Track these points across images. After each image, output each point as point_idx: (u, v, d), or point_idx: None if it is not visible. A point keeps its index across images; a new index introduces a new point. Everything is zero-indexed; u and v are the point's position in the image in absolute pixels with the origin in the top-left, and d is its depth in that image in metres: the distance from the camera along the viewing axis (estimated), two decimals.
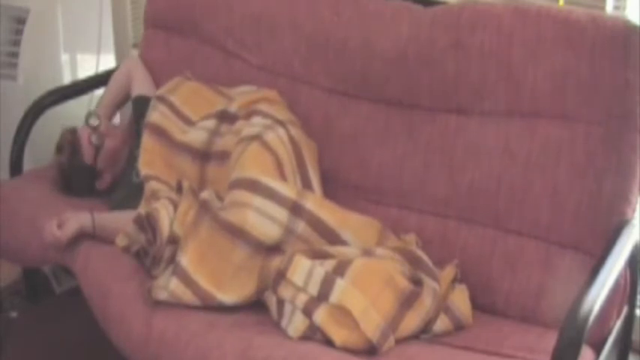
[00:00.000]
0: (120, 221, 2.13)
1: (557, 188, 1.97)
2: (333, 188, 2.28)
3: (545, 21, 2.00)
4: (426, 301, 1.85)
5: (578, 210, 1.95)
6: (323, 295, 1.79)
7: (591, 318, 1.58)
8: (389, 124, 2.23)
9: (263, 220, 1.94)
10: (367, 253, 1.93)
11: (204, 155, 2.22)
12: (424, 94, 2.17)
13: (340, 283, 1.79)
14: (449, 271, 2.00)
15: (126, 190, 2.31)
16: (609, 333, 1.90)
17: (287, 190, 2.00)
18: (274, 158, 2.11)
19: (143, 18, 2.74)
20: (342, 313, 1.77)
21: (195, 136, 2.24)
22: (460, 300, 1.95)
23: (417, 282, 1.89)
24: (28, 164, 2.52)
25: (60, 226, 2.12)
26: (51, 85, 2.67)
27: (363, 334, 1.75)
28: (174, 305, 1.90)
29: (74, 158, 2.35)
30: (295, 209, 1.97)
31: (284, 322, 1.82)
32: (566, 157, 1.97)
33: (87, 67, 3.10)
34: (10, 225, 2.26)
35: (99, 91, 2.71)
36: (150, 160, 2.24)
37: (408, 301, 1.83)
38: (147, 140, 2.27)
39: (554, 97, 1.99)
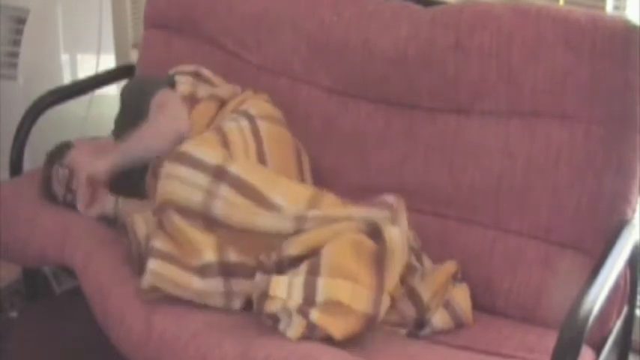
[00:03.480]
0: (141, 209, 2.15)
1: (557, 188, 1.97)
2: (333, 188, 2.27)
3: (545, 21, 2.00)
4: (395, 251, 1.84)
5: (578, 210, 1.95)
6: (310, 300, 1.79)
7: (591, 318, 1.58)
8: (389, 124, 2.23)
9: (185, 187, 1.97)
10: (299, 220, 1.93)
11: None
12: (424, 94, 2.17)
13: (321, 282, 1.80)
14: (449, 265, 2.00)
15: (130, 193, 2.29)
16: (609, 333, 1.90)
17: (212, 156, 2.01)
18: (221, 139, 2.12)
19: (143, 18, 2.74)
20: (334, 305, 1.78)
21: None
22: (461, 297, 1.96)
23: (375, 231, 1.87)
24: (28, 164, 2.52)
25: (90, 203, 2.19)
26: (51, 85, 2.67)
27: (358, 312, 1.77)
28: (174, 305, 1.90)
29: (47, 192, 2.30)
30: (218, 174, 1.98)
31: (282, 326, 1.82)
32: (566, 157, 1.97)
33: (87, 67, 3.10)
34: (10, 225, 2.26)
35: (99, 91, 2.71)
36: None
37: (380, 261, 1.83)
38: None
39: (554, 97, 1.99)
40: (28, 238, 2.23)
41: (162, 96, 2.27)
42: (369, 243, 1.85)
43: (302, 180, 2.22)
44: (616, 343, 1.94)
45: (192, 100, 2.32)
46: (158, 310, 1.91)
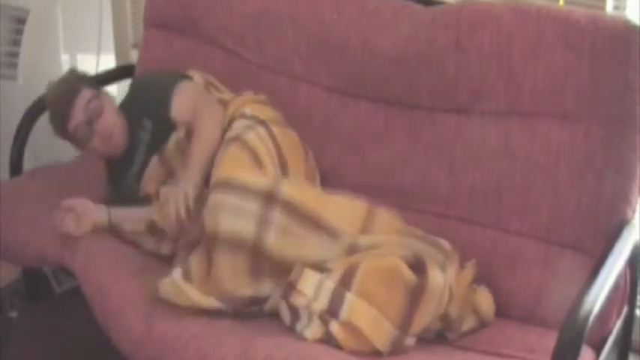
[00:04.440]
0: (134, 218, 2.15)
1: (558, 188, 1.97)
2: (333, 188, 2.27)
3: (545, 21, 2.00)
4: (433, 295, 1.82)
5: (579, 210, 1.95)
6: (334, 311, 1.78)
7: (591, 318, 1.58)
8: (389, 124, 2.23)
9: (235, 218, 1.88)
10: (352, 247, 1.91)
11: None
12: (424, 94, 2.17)
13: (349, 298, 1.79)
14: (467, 272, 1.98)
15: (122, 194, 2.30)
16: (609, 333, 1.90)
17: (260, 181, 1.95)
18: (252, 156, 2.08)
19: (143, 18, 2.74)
20: (353, 328, 1.78)
21: None
22: (487, 304, 1.96)
23: (419, 267, 1.85)
24: (28, 164, 2.52)
25: (76, 219, 2.12)
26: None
27: (375, 347, 1.77)
28: (175, 305, 1.90)
29: (60, 119, 2.26)
30: (269, 199, 1.91)
31: (299, 326, 1.81)
32: (566, 157, 1.97)
33: (87, 67, 3.10)
34: (10, 225, 2.26)
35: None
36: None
37: (414, 297, 1.81)
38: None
39: (554, 97, 1.99)
40: (28, 238, 2.22)
41: (187, 91, 2.28)
42: (409, 275, 1.83)
43: (312, 181, 2.22)
44: (616, 343, 1.94)
45: None
46: (158, 310, 1.91)
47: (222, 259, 1.88)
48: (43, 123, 2.50)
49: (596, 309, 1.60)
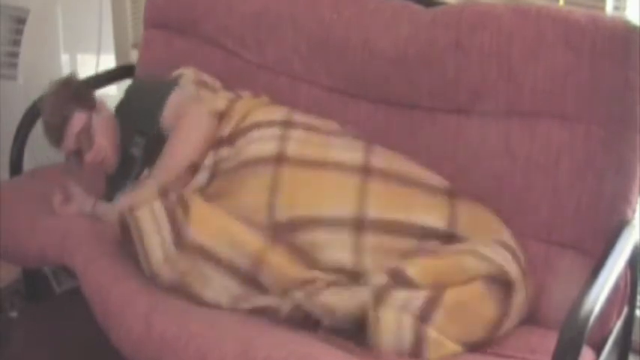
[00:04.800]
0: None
1: (558, 188, 1.97)
2: None
3: (545, 21, 2.00)
4: (515, 313, 1.83)
5: (579, 210, 1.95)
6: (418, 350, 1.76)
7: (592, 318, 1.58)
8: (389, 124, 2.23)
9: (259, 143, 2.09)
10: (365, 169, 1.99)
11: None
12: (424, 94, 2.17)
13: (430, 335, 1.76)
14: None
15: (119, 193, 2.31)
16: (609, 333, 1.90)
17: (277, 114, 2.15)
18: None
19: (143, 18, 2.74)
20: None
21: None
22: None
23: (501, 281, 1.83)
24: (28, 164, 2.52)
25: (64, 201, 2.21)
26: None
27: None
28: (175, 305, 1.90)
29: (53, 141, 2.28)
30: (287, 124, 2.12)
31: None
32: (567, 158, 1.97)
33: (87, 67, 3.10)
34: (10, 225, 2.26)
35: (99, 91, 2.70)
36: None
37: (498, 321, 1.82)
38: None
39: (554, 98, 1.99)
40: (28, 239, 2.22)
41: (177, 98, 2.25)
42: (490, 309, 1.82)
43: None
44: (616, 343, 1.94)
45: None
46: (158, 309, 1.91)
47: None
48: None
49: (597, 309, 1.60)
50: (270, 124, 2.16)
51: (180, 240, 1.92)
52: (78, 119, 2.25)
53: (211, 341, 1.81)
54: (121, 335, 1.95)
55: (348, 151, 2.08)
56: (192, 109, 2.21)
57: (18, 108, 2.57)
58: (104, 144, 2.27)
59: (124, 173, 2.31)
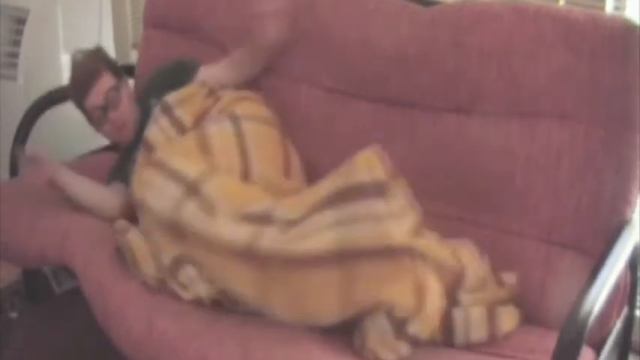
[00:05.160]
0: (83, 185, 2.28)
1: (558, 188, 1.97)
2: None
3: (544, 21, 2.00)
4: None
5: (579, 210, 1.95)
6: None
7: (591, 318, 1.58)
8: (389, 124, 2.23)
9: (158, 197, 1.97)
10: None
11: None
12: (424, 94, 2.17)
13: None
14: (508, 290, 1.94)
15: (122, 181, 2.32)
16: (609, 333, 1.90)
17: (190, 170, 2.00)
18: (202, 146, 2.11)
19: (143, 18, 2.74)
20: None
21: None
22: (507, 314, 1.88)
23: None
24: None
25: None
26: (51, 85, 2.67)
27: None
28: (175, 305, 1.91)
29: (78, 93, 2.33)
30: (192, 188, 1.96)
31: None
32: (567, 158, 1.97)
33: None
34: (10, 225, 2.26)
35: None
36: None
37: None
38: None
39: (554, 97, 1.99)
40: (28, 239, 2.22)
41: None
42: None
43: (289, 180, 2.21)
44: (616, 343, 1.94)
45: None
46: (159, 310, 1.91)
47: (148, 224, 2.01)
48: (43, 123, 2.51)
49: (597, 309, 1.60)
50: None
51: None
52: (108, 78, 2.32)
53: (211, 341, 1.81)
54: (121, 335, 1.95)
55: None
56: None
57: (18, 108, 2.57)
58: (129, 109, 2.33)
59: (136, 145, 2.33)
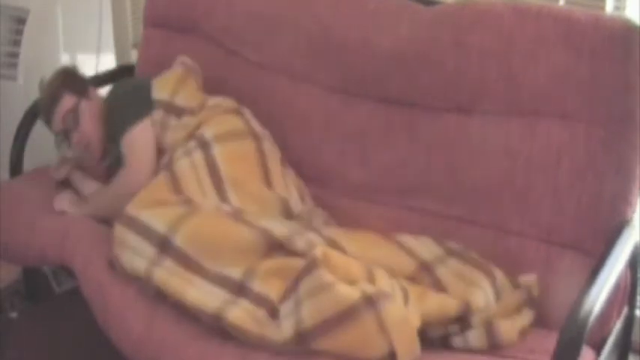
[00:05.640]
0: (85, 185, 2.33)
1: (558, 188, 1.97)
2: (334, 188, 2.28)
3: (545, 21, 2.00)
4: None
5: (579, 210, 1.95)
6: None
7: (591, 319, 1.58)
8: (389, 123, 2.23)
9: (133, 256, 1.96)
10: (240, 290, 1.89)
11: None
12: (424, 93, 2.17)
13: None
14: (517, 295, 1.93)
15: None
16: (609, 333, 1.90)
17: (159, 223, 1.98)
18: (174, 184, 2.12)
19: (143, 17, 2.74)
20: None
21: None
22: (507, 329, 1.84)
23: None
24: (28, 164, 2.52)
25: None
26: None
27: None
28: (175, 306, 1.90)
29: (46, 122, 2.37)
30: (164, 245, 1.95)
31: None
32: (567, 158, 1.97)
33: (87, 67, 3.10)
34: (10, 225, 2.26)
35: (99, 91, 2.70)
36: None
37: None
38: None
39: (555, 97, 1.99)
40: (28, 239, 2.22)
41: (133, 139, 2.27)
42: None
43: (270, 187, 2.18)
44: (616, 343, 1.93)
45: (162, 127, 2.31)
46: (159, 311, 1.91)
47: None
48: (43, 123, 2.50)
49: (597, 309, 1.60)
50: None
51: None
52: (66, 101, 2.33)
53: (212, 344, 1.81)
54: (121, 336, 1.95)
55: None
56: (136, 160, 2.25)
57: (18, 108, 2.57)
58: (89, 129, 2.34)
59: (118, 166, 2.32)
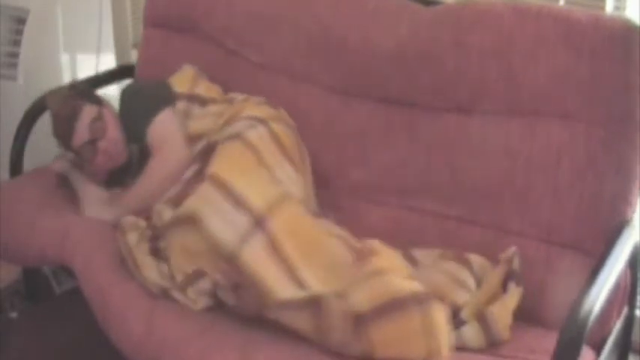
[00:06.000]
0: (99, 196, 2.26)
1: (558, 188, 1.97)
2: (334, 188, 2.28)
3: (545, 21, 2.00)
4: None
5: (579, 210, 1.95)
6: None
7: (591, 318, 1.58)
8: (390, 123, 2.23)
9: (222, 223, 1.89)
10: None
11: None
12: (424, 93, 2.17)
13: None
14: (498, 271, 1.93)
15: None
16: (609, 333, 1.90)
17: (257, 202, 1.93)
18: (256, 156, 2.09)
19: (143, 17, 2.74)
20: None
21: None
22: (499, 313, 1.84)
23: None
24: (28, 164, 2.52)
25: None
26: (51, 85, 2.66)
27: None
28: (175, 306, 1.90)
29: (64, 139, 2.29)
30: (258, 223, 1.90)
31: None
32: (567, 158, 1.97)
33: (87, 67, 3.10)
34: (10, 225, 2.26)
35: (99, 91, 2.70)
36: None
37: None
38: None
39: (555, 97, 1.99)
40: (28, 239, 2.22)
41: (161, 125, 2.26)
42: None
43: (305, 177, 2.21)
44: (616, 343, 1.94)
45: (186, 116, 2.32)
46: (159, 310, 1.91)
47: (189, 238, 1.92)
48: (43, 123, 2.50)
49: (597, 309, 1.60)
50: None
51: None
52: (89, 110, 2.27)
53: (212, 342, 1.81)
54: (121, 336, 1.95)
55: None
56: (170, 144, 2.24)
57: (18, 108, 2.57)
58: (116, 134, 2.29)
59: (121, 175, 2.33)
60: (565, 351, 1.57)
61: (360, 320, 1.72)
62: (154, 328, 1.89)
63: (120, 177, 2.33)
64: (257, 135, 2.14)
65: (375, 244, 1.95)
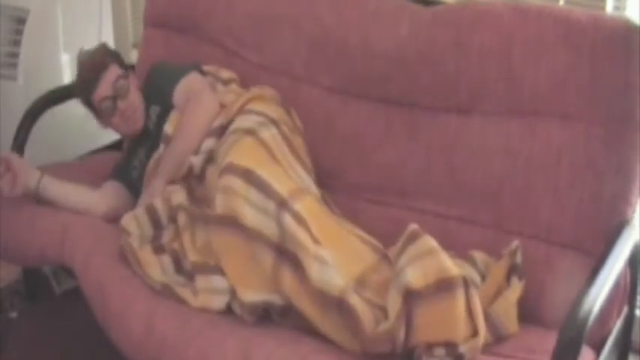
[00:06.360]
0: (68, 195, 2.23)
1: (558, 188, 1.97)
2: (334, 188, 2.28)
3: (545, 21, 2.00)
4: None
5: (579, 210, 1.95)
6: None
7: (591, 318, 1.58)
8: (390, 124, 2.23)
9: (255, 212, 1.89)
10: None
11: None
12: (424, 93, 2.17)
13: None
14: (502, 264, 1.94)
15: (120, 179, 2.33)
16: (609, 333, 1.90)
17: (280, 188, 1.93)
18: (269, 154, 2.11)
19: (143, 17, 2.74)
20: None
21: None
22: (503, 308, 1.86)
23: None
24: None
25: (12, 180, 2.18)
26: (51, 85, 2.67)
27: None
28: (175, 305, 1.91)
29: (86, 88, 2.33)
30: (282, 204, 1.89)
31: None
32: (567, 158, 1.97)
33: None
34: (10, 225, 2.26)
35: None
36: None
37: None
38: None
39: (555, 97, 1.99)
40: (27, 238, 2.22)
41: (193, 80, 2.34)
42: None
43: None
44: (616, 343, 1.94)
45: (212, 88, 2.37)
46: (159, 310, 1.91)
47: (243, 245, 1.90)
48: (44, 123, 2.50)
49: (596, 309, 1.60)
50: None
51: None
52: (115, 69, 2.33)
53: (212, 341, 1.81)
54: (121, 336, 1.95)
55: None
56: (204, 95, 2.30)
57: (18, 108, 2.57)
58: (136, 99, 2.34)
59: (139, 142, 2.36)
60: (565, 351, 1.57)
61: (411, 297, 1.71)
62: (154, 328, 1.89)
63: (134, 147, 2.37)
64: (270, 134, 2.15)
65: (416, 226, 1.89)
